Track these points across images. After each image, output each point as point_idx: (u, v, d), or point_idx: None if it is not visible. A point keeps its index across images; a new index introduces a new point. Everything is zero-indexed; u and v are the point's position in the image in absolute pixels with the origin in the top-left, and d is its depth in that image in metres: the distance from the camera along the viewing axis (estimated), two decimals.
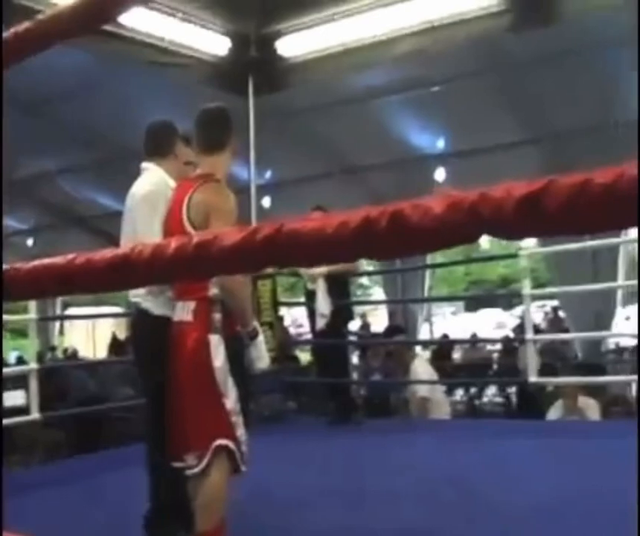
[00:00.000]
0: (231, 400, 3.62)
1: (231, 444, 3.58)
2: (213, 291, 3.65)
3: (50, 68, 10.03)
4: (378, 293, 27.23)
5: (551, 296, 17.33)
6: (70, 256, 1.29)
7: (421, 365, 9.29)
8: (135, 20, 8.19)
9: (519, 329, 14.48)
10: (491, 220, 0.93)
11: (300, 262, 1.08)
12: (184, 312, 3.69)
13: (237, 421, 3.64)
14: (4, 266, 1.42)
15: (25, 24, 1.53)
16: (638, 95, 7.47)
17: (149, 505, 4.13)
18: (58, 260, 1.30)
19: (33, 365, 7.20)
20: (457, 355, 16.03)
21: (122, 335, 19.99)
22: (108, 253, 1.23)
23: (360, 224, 0.98)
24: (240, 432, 3.64)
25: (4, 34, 1.54)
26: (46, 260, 1.35)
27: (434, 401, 8.96)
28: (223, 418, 3.60)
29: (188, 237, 1.12)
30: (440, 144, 13.31)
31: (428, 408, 8.93)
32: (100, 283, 1.35)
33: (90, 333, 27.52)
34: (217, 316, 3.66)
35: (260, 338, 3.85)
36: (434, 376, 9.24)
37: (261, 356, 3.85)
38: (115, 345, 18.98)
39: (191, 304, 3.67)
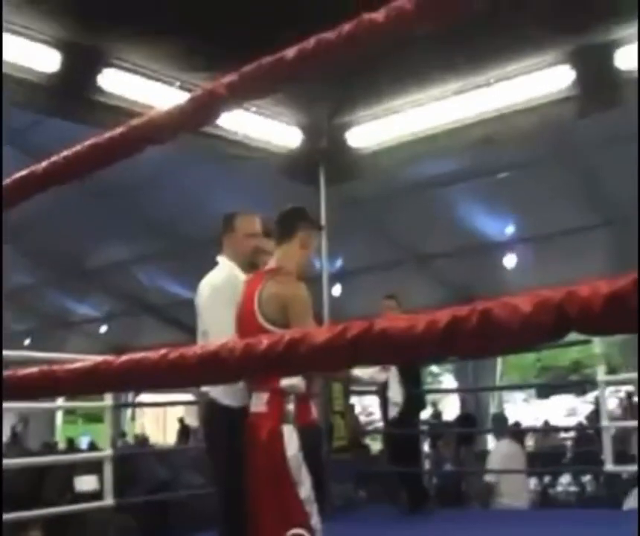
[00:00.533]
0: (305, 489, 3.64)
1: (305, 533, 3.59)
2: (287, 382, 3.69)
3: (124, 159, 10.27)
4: (448, 381, 26.97)
5: (624, 382, 16.99)
6: (162, 351, 1.33)
7: (498, 451, 9.20)
8: (203, 125, 8.34)
9: (593, 416, 14.22)
10: (578, 319, 0.94)
11: (388, 361, 1.11)
12: (258, 403, 3.75)
13: (312, 510, 3.65)
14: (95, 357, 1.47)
15: (119, 129, 1.59)
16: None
17: None
18: (150, 354, 1.33)
19: (108, 451, 7.26)
20: (530, 443, 15.78)
21: (193, 421, 20.10)
22: (199, 349, 1.27)
23: (449, 323, 1.00)
24: (315, 520, 3.65)
25: (102, 136, 1.61)
26: (139, 354, 1.39)
27: (504, 487, 8.83)
28: (297, 507, 3.61)
29: (279, 335, 1.15)
30: (510, 230, 13.26)
31: (496, 493, 8.82)
32: (190, 378, 1.39)
33: (160, 419, 27.71)
34: (290, 407, 3.71)
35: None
36: (514, 458, 9.07)
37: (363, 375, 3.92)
38: (184, 431, 19.09)
39: (265, 396, 3.73)
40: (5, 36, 6.96)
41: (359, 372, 7.81)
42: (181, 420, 19.81)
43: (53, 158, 1.79)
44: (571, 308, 0.94)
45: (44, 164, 1.83)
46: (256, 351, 1.16)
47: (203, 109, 1.43)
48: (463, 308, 1.01)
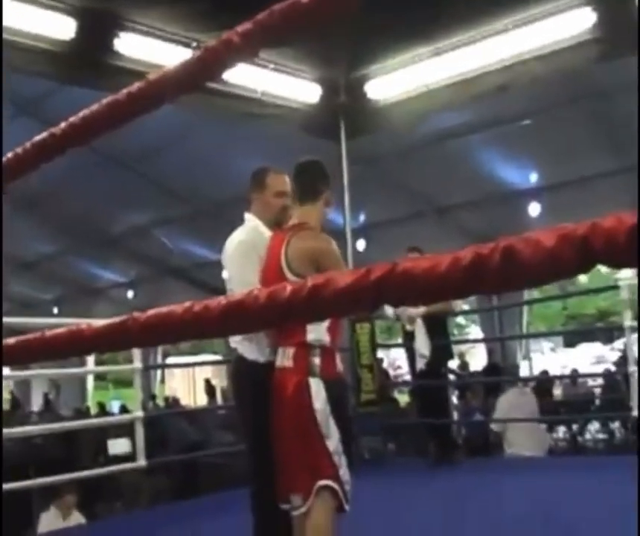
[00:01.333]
0: (333, 441, 3.67)
1: (334, 484, 3.62)
2: (311, 336, 3.71)
3: (143, 123, 10.26)
4: (475, 332, 26.99)
5: None
6: (187, 304, 1.34)
7: (505, 400, 9.24)
8: (228, 73, 8.34)
9: (621, 362, 14.18)
10: (603, 251, 0.94)
11: (413, 301, 1.10)
12: (284, 358, 3.78)
13: (340, 461, 3.68)
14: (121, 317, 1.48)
15: (136, 85, 1.59)
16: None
17: None
18: (176, 308, 1.34)
19: (139, 413, 7.32)
20: (557, 392, 15.77)
21: (222, 382, 20.25)
22: (223, 300, 1.28)
23: (472, 261, 1.00)
24: (343, 471, 3.67)
25: (121, 92, 1.61)
26: (164, 309, 1.40)
27: (509, 435, 8.90)
28: (326, 459, 3.64)
29: (302, 281, 1.15)
30: (533, 178, 13.18)
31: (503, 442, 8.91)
32: (217, 328, 1.40)
33: (190, 381, 27.91)
34: (316, 360, 3.73)
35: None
36: (521, 407, 9.10)
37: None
38: (210, 391, 19.21)
39: (290, 350, 3.75)
40: (20, 4, 6.96)
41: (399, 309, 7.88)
42: (207, 381, 19.93)
43: (67, 122, 1.80)
44: (596, 241, 0.94)
45: (56, 128, 1.84)
46: (280, 298, 1.17)
47: (218, 60, 1.43)
48: (485, 246, 1.00)
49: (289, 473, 3.70)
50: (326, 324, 3.74)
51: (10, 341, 1.85)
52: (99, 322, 1.57)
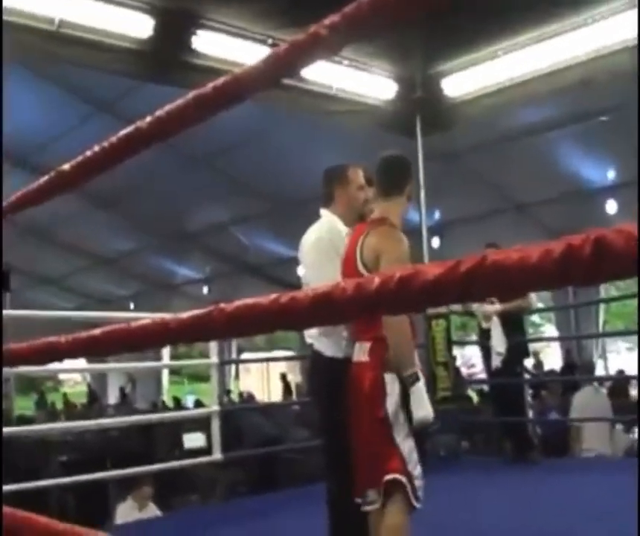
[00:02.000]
0: (402, 436, 3.66)
1: (402, 479, 3.61)
2: None
3: (221, 120, 10.36)
4: (550, 331, 26.64)
5: None
6: (274, 295, 1.34)
7: (580, 398, 9.15)
8: (304, 70, 8.37)
9: None
10: None
11: (502, 293, 1.10)
12: (361, 352, 3.79)
13: (410, 457, 3.67)
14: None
15: (221, 79, 1.61)
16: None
17: None
18: (262, 299, 1.35)
19: (215, 407, 7.39)
20: (635, 392, 15.50)
21: (296, 377, 20.32)
22: (310, 292, 1.28)
23: (564, 252, 0.99)
24: (412, 466, 3.66)
25: (205, 87, 1.63)
26: (249, 300, 1.41)
27: (586, 434, 8.80)
28: (395, 453, 3.64)
29: (391, 273, 1.15)
30: (611, 175, 12.98)
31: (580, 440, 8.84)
32: (304, 320, 1.41)
33: (264, 378, 28.08)
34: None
35: (420, 385, 3.69)
36: (594, 406, 8.99)
37: (421, 405, 3.67)
38: (286, 387, 19.31)
39: (367, 345, 3.75)
40: (99, 3, 7.08)
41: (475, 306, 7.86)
42: (283, 376, 20.04)
43: (152, 116, 1.82)
44: None
45: (142, 122, 1.86)
46: (368, 290, 1.17)
47: (305, 53, 1.43)
48: (576, 237, 0.99)
49: (365, 467, 3.72)
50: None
51: (95, 332, 1.88)
52: (183, 314, 1.58)
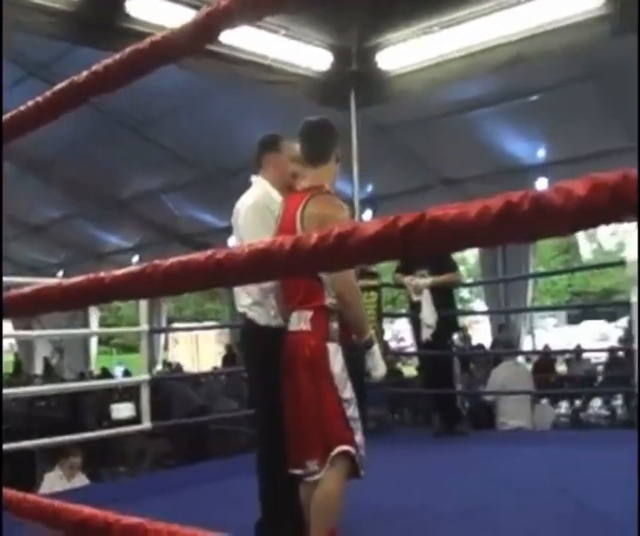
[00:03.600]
0: (350, 406, 3.67)
1: (351, 449, 3.62)
2: (330, 301, 3.70)
3: (153, 88, 10.27)
4: (479, 306, 27.01)
5: None
6: (209, 252, 1.33)
7: (498, 373, 9.31)
8: (238, 38, 8.32)
9: (626, 340, 14.20)
10: (634, 200, 0.93)
11: (441, 248, 1.10)
12: (300, 321, 3.73)
13: (356, 427, 3.68)
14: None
15: (138, 45, 1.59)
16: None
17: (260, 512, 4.18)
18: (199, 256, 1.34)
19: (145, 376, 7.33)
20: (561, 368, 15.80)
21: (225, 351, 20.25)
22: (247, 248, 1.27)
23: (502, 209, 0.99)
24: (359, 437, 3.68)
25: (128, 50, 1.61)
26: (184, 257, 1.39)
27: (502, 407, 9.00)
28: (344, 424, 3.64)
29: (329, 229, 1.14)
30: (541, 153, 13.15)
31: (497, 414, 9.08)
32: (240, 276, 1.40)
33: (193, 349, 27.97)
34: (334, 325, 3.72)
35: (376, 347, 3.88)
36: (514, 379, 9.15)
37: (378, 365, 3.89)
38: (230, 358, 19.10)
39: (308, 314, 3.71)
40: None
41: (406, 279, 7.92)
42: (229, 347, 19.71)
43: (67, 82, 1.79)
44: (627, 190, 0.93)
45: (57, 88, 1.83)
46: (306, 245, 1.16)
47: (220, 21, 1.42)
48: (515, 194, 1.00)
49: (305, 438, 3.67)
50: None
51: (26, 290, 1.85)
52: (118, 271, 1.56)
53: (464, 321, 18.44)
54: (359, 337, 3.79)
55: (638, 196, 0.92)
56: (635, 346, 7.47)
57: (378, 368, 3.90)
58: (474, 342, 17.62)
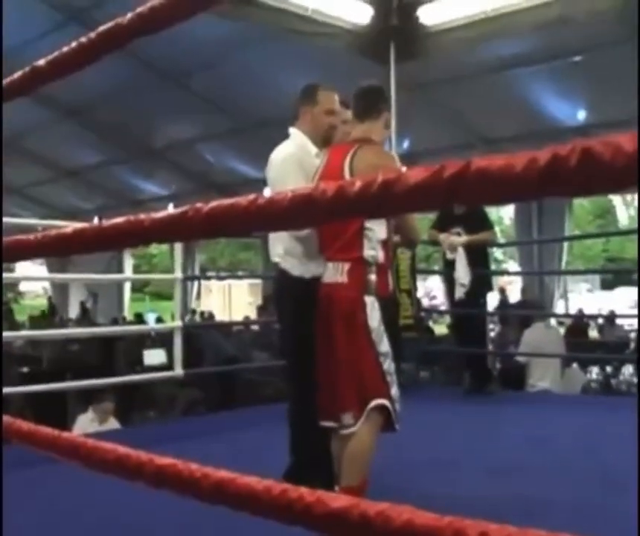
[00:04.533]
0: (387, 360, 3.67)
1: (387, 403, 3.63)
2: (369, 252, 3.69)
3: (192, 37, 10.27)
4: (512, 268, 26.89)
5: None
6: (251, 196, 1.33)
7: (530, 334, 9.27)
8: None
9: None
10: None
11: (486, 199, 1.09)
12: (337, 273, 3.71)
13: (392, 380, 3.68)
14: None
15: None
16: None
17: (289, 460, 4.22)
18: (241, 200, 1.34)
19: (178, 322, 7.37)
20: (594, 333, 15.72)
21: (258, 300, 20.30)
22: (289, 193, 1.27)
23: (549, 162, 0.98)
24: (395, 390, 3.68)
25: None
26: (227, 201, 1.39)
27: (532, 369, 8.99)
28: (379, 378, 3.64)
29: (373, 177, 1.14)
30: (581, 115, 13.02)
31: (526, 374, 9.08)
32: (282, 221, 1.40)
33: (225, 299, 28.09)
34: (372, 278, 3.70)
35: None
36: (544, 342, 9.13)
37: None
38: (264, 307, 19.05)
39: (345, 265, 3.69)
40: None
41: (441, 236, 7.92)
42: (265, 298, 19.64)
43: (111, 23, 1.79)
44: None
45: (101, 29, 1.83)
46: (349, 193, 1.16)
47: None
48: (563, 147, 0.99)
49: (340, 391, 3.65)
50: (381, 240, 3.73)
51: (66, 230, 1.86)
52: (158, 214, 1.57)
53: (500, 281, 18.38)
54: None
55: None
56: None
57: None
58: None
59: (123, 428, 7.62)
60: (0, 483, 2.55)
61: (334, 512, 1.22)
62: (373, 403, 3.60)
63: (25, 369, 10.71)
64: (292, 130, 4.40)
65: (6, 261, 2.17)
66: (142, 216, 1.59)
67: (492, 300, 15.22)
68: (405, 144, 13.81)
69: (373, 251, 3.70)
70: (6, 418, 2.28)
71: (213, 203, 1.41)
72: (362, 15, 9.20)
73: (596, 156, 0.96)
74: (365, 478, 3.65)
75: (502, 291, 17.31)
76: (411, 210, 1.16)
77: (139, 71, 12.92)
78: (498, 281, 18.82)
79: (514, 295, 19.16)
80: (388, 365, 3.68)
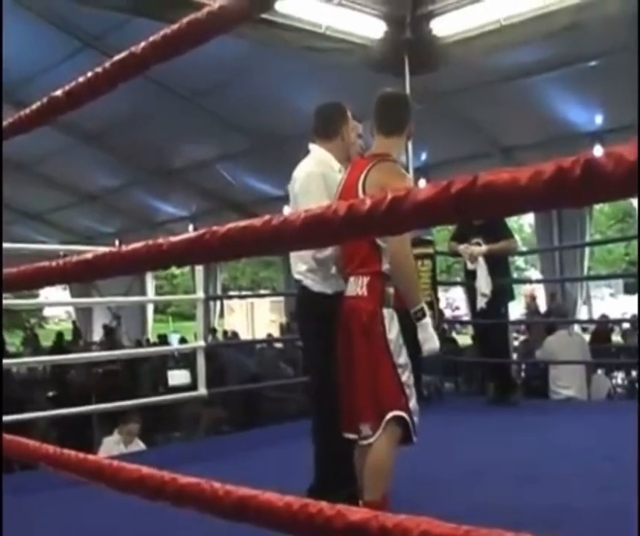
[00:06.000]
0: (405, 372, 3.69)
1: (405, 415, 3.64)
2: (386, 266, 3.72)
3: (207, 58, 10.31)
4: (534, 276, 26.79)
5: None
6: (265, 218, 1.36)
7: (553, 342, 9.25)
8: (292, 7, 8.35)
9: None
10: None
11: (493, 212, 1.12)
12: (357, 287, 3.76)
13: (411, 392, 3.70)
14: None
15: (196, 14, 1.61)
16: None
17: (314, 476, 4.23)
18: (255, 222, 1.37)
19: (201, 342, 7.42)
20: (616, 338, 15.63)
21: (281, 317, 20.32)
22: (303, 213, 1.29)
23: (553, 174, 1.01)
24: (413, 403, 3.70)
25: (186, 19, 1.63)
26: (241, 223, 1.42)
27: (555, 377, 8.97)
28: (398, 389, 3.66)
29: (383, 194, 1.16)
30: (598, 120, 12.99)
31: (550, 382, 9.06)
32: (296, 241, 1.42)
33: (248, 318, 28.10)
34: (390, 290, 3.73)
35: (427, 319, 3.77)
36: (572, 350, 9.09)
37: (429, 338, 3.77)
38: (287, 325, 19.12)
39: (365, 279, 3.74)
40: None
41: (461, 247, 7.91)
42: (290, 315, 19.65)
43: (126, 52, 1.82)
44: None
45: (116, 58, 1.86)
46: (360, 211, 1.18)
47: None
48: (567, 159, 1.01)
49: (360, 402, 3.69)
50: None
51: (87, 256, 1.90)
52: (176, 237, 1.60)
53: (529, 288, 18.27)
54: (410, 307, 3.77)
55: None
56: None
57: (429, 341, 3.77)
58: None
59: (147, 449, 7.66)
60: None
61: (354, 525, 1.25)
62: (391, 414, 3.62)
63: (51, 393, 10.79)
64: (313, 146, 4.43)
65: (29, 288, 2.21)
66: (160, 240, 1.62)
67: (520, 308, 15.22)
68: (423, 157, 13.83)
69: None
70: (32, 443, 2.32)
71: (229, 225, 1.44)
72: (376, 30, 9.24)
73: (599, 167, 0.98)
74: (386, 492, 3.66)
75: (533, 298, 17.24)
76: (420, 226, 1.17)
77: (155, 92, 12.98)
78: (526, 288, 18.72)
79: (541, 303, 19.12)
80: (407, 376, 3.70)
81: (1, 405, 6.33)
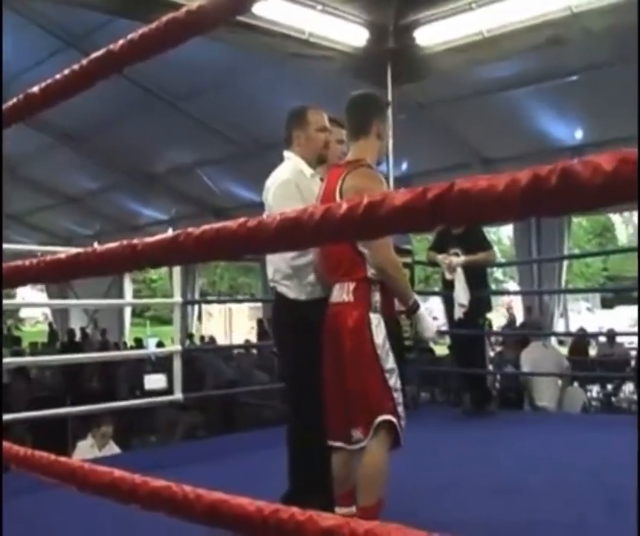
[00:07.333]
0: (393, 377, 3.69)
1: (394, 419, 3.64)
2: (372, 272, 3.72)
3: (188, 62, 10.32)
4: (512, 288, 26.89)
5: None
6: (241, 220, 1.35)
7: (528, 354, 9.30)
8: (275, 13, 8.34)
9: None
10: None
11: (470, 219, 1.11)
12: (343, 293, 3.75)
13: (398, 397, 3.70)
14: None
15: (169, 16, 1.60)
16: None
17: (289, 482, 4.22)
18: (231, 224, 1.36)
19: (177, 346, 7.39)
20: (594, 352, 15.70)
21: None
22: (278, 216, 1.29)
23: (530, 181, 1.00)
24: (401, 408, 3.70)
25: (165, 18, 1.62)
26: (217, 225, 1.41)
27: (533, 389, 9.06)
28: (386, 394, 3.66)
29: (359, 199, 1.16)
30: (578, 134, 13.06)
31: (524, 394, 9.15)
32: (271, 245, 1.42)
33: (226, 323, 28.07)
34: (377, 296, 3.73)
35: (422, 309, 3.85)
36: (547, 363, 9.13)
37: (427, 326, 3.88)
38: (262, 332, 19.14)
39: (351, 285, 3.73)
40: None
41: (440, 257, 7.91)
42: (260, 321, 19.79)
43: (103, 50, 1.81)
44: None
45: (93, 56, 1.85)
46: (336, 215, 1.18)
47: None
48: (543, 168, 1.01)
49: (349, 407, 3.70)
50: None
51: (61, 256, 1.88)
52: (151, 238, 1.59)
53: (506, 300, 18.34)
54: (404, 305, 3.81)
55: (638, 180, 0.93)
56: None
57: (428, 329, 3.89)
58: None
59: (122, 453, 7.62)
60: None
61: (325, 531, 1.24)
62: (380, 418, 3.61)
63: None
64: (287, 153, 4.42)
65: (5, 287, 2.19)
66: (135, 240, 1.61)
67: (498, 320, 15.25)
68: (404, 166, 13.85)
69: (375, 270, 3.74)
70: (5, 444, 2.30)
71: (204, 227, 1.43)
72: (359, 37, 9.24)
73: (575, 176, 0.98)
74: (381, 497, 3.66)
75: (508, 310, 17.31)
76: (396, 231, 1.17)
77: (136, 96, 12.97)
78: (504, 300, 18.80)
79: (518, 315, 19.19)
80: (394, 381, 3.70)
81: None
